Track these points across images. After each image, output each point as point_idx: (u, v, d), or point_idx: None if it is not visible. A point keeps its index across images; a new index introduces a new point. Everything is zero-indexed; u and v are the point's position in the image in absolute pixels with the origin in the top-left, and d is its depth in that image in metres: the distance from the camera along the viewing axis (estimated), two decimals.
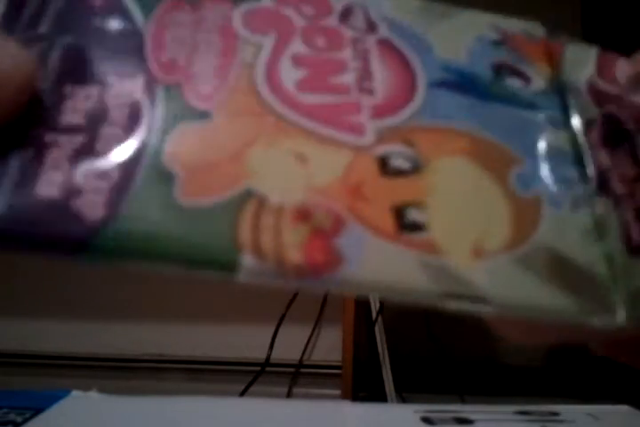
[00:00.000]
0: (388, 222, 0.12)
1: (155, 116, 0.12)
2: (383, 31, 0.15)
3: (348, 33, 0.15)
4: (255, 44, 0.14)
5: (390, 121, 0.14)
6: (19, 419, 0.28)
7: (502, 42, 0.16)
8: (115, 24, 0.13)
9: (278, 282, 0.12)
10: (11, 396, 0.31)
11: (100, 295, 1.21)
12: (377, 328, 1.06)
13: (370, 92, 0.14)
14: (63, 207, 0.11)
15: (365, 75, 0.14)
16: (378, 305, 1.06)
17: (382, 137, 0.13)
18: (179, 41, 0.13)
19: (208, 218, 0.11)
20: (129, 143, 0.12)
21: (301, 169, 0.12)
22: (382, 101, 0.14)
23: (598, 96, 0.16)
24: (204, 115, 0.12)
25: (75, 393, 0.31)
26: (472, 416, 0.30)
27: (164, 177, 0.11)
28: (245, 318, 1.20)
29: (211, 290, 1.19)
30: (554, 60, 0.16)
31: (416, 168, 0.13)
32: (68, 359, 1.19)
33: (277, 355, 1.15)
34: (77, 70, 0.12)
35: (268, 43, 0.14)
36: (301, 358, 1.17)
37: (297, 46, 0.14)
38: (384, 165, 0.13)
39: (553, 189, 0.14)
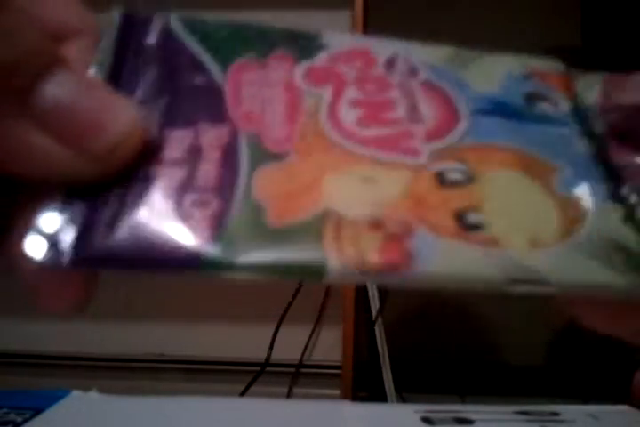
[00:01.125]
0: (451, 225, 0.14)
1: (241, 157, 0.15)
2: (424, 74, 0.18)
3: (393, 78, 0.17)
4: (315, 95, 0.16)
5: (441, 144, 0.16)
6: (19, 419, 0.28)
7: (530, 76, 0.19)
8: (197, 80, 0.16)
9: (362, 280, 0.14)
10: (11, 396, 0.31)
11: (100, 295, 1.21)
12: (377, 328, 1.06)
13: (419, 121, 0.16)
14: (176, 231, 0.13)
15: (413, 109, 0.17)
16: (378, 305, 1.06)
17: (435, 157, 0.16)
18: (252, 97, 0.16)
19: (296, 234, 0.14)
20: (224, 178, 0.14)
21: (370, 189, 0.15)
22: (432, 128, 0.16)
23: (604, 108, 0.18)
24: (280, 156, 0.15)
25: (75, 393, 0.31)
26: (472, 416, 0.30)
27: (256, 206, 0.14)
28: (245, 318, 1.20)
29: (211, 290, 1.19)
30: (571, 91, 0.19)
31: (469, 179, 0.15)
32: (68, 359, 1.19)
33: (277, 355, 1.15)
34: (173, 118, 0.15)
35: (327, 93, 0.16)
36: (301, 358, 1.17)
37: (351, 93, 0.17)
38: (441, 179, 0.15)
39: (596, 187, 0.16)
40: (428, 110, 0.17)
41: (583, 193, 0.16)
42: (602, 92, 0.18)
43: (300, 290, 1.14)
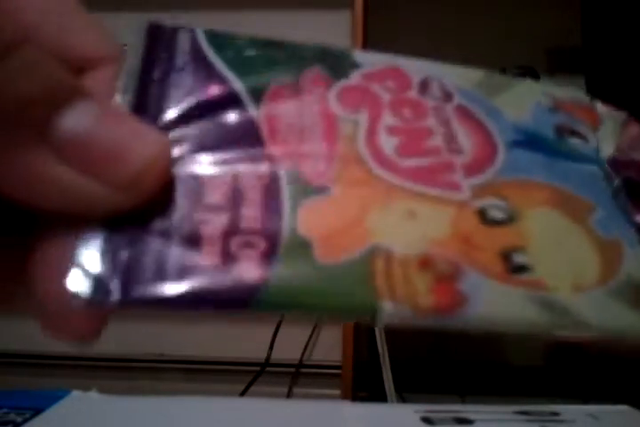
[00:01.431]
0: (498, 266, 0.14)
1: (283, 194, 0.14)
2: (458, 99, 0.17)
3: (428, 103, 0.17)
4: (352, 120, 0.16)
5: (480, 178, 0.16)
6: (19, 419, 0.28)
7: (557, 108, 0.18)
8: (233, 115, 0.15)
9: (413, 322, 0.13)
10: (11, 396, 0.31)
11: None
12: (377, 328, 1.06)
13: (458, 151, 0.16)
14: (225, 274, 0.13)
15: (451, 138, 0.16)
16: None
17: (476, 193, 0.15)
18: (288, 127, 0.15)
19: (346, 273, 0.13)
20: (268, 219, 0.14)
21: (415, 224, 0.14)
22: (471, 160, 0.16)
23: (616, 166, 0.18)
24: (322, 189, 0.14)
25: (75, 393, 0.31)
26: (472, 416, 0.30)
27: (302, 244, 0.13)
28: (245, 318, 1.20)
29: None
30: (596, 124, 0.19)
31: (510, 218, 0.15)
32: (68, 359, 1.19)
33: (277, 355, 1.15)
34: (210, 158, 0.14)
35: (363, 118, 0.16)
36: (301, 358, 1.17)
37: (388, 119, 0.16)
38: (484, 216, 0.15)
39: (625, 231, 0.16)
40: (466, 141, 0.16)
41: (618, 234, 0.16)
42: (619, 145, 0.18)
43: None
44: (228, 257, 0.13)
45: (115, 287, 0.13)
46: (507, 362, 1.27)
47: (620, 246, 0.16)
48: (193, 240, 0.13)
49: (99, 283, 0.12)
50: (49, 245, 0.13)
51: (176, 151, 0.14)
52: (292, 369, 1.17)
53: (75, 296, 0.12)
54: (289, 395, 1.15)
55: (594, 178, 0.17)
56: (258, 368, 1.13)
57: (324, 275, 0.13)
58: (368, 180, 0.15)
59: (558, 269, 0.15)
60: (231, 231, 0.13)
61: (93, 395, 0.31)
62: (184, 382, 1.20)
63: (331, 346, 1.17)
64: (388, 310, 0.13)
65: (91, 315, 0.13)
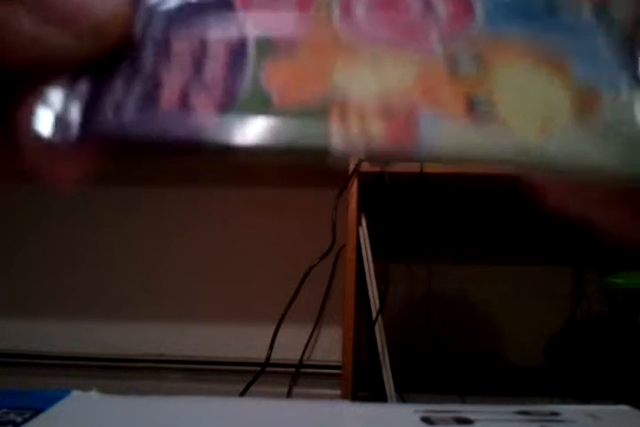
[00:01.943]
0: (459, 107, 0.15)
1: (248, 52, 0.15)
2: None
3: None
4: None
5: (454, 40, 0.16)
6: (19, 419, 0.28)
7: None
8: None
9: (367, 154, 0.14)
10: (11, 396, 0.31)
11: (100, 295, 1.21)
12: (377, 328, 1.06)
13: (434, 17, 0.17)
14: (182, 112, 0.14)
15: (427, 5, 0.17)
16: (378, 305, 1.06)
17: (448, 48, 0.16)
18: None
19: (301, 113, 0.14)
20: (230, 73, 0.15)
21: (378, 77, 0.15)
22: (445, 22, 0.16)
23: None
24: (290, 48, 0.15)
25: (75, 393, 0.31)
26: (472, 416, 0.30)
27: (263, 95, 0.14)
28: (245, 318, 1.20)
29: (211, 290, 1.19)
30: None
31: (482, 70, 0.16)
32: (68, 359, 1.19)
33: (277, 355, 1.15)
34: (180, 24, 0.15)
35: None
36: (301, 358, 1.17)
37: None
38: (452, 68, 0.16)
39: (613, 77, 0.16)
40: (443, 8, 0.17)
41: (602, 81, 0.16)
42: None
43: (299, 290, 1.14)
44: (185, 103, 0.14)
45: (74, 124, 0.14)
46: (506, 362, 1.27)
47: (600, 91, 0.16)
48: (154, 89, 0.14)
49: (59, 121, 0.14)
50: (25, 98, 0.14)
51: (147, 18, 0.15)
52: (292, 369, 1.17)
53: (38, 133, 0.13)
54: (289, 395, 1.15)
55: (578, 33, 0.17)
56: (258, 368, 1.13)
57: (280, 115, 0.14)
58: (337, 41, 0.16)
59: (524, 112, 0.15)
60: (192, 82, 0.14)
61: (93, 395, 0.31)
62: (184, 382, 1.20)
63: (331, 346, 1.17)
64: (341, 141, 0.14)
65: (64, 155, 0.15)
